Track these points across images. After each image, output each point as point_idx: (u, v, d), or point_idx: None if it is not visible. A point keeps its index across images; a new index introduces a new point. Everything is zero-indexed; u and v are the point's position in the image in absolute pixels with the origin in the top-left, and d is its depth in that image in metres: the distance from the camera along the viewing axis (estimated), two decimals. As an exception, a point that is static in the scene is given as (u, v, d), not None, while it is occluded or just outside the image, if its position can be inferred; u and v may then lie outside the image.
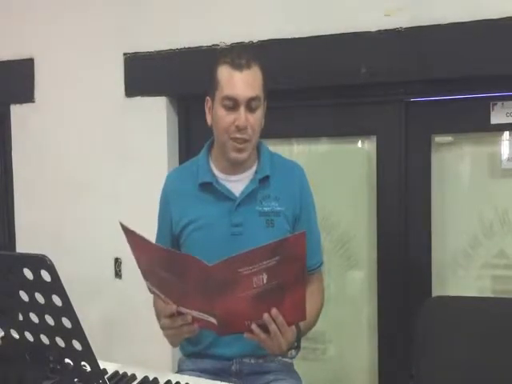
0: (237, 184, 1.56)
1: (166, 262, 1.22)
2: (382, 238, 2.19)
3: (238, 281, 1.16)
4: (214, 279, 1.16)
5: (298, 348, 1.44)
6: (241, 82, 1.46)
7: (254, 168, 1.58)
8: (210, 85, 1.52)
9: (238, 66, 1.46)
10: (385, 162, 2.17)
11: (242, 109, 1.46)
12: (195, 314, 1.26)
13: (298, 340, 1.42)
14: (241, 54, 1.50)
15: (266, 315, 1.24)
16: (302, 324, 1.39)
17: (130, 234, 1.26)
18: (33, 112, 2.65)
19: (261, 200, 1.55)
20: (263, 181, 1.55)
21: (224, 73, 1.48)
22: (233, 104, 1.47)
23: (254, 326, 1.25)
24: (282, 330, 1.27)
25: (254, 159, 1.59)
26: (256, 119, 1.49)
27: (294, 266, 1.19)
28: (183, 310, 1.27)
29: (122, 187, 2.47)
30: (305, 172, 1.64)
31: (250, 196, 1.54)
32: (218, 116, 1.49)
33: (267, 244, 1.17)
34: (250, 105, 1.47)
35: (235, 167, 1.56)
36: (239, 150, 1.50)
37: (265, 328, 1.26)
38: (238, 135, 1.48)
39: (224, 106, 1.48)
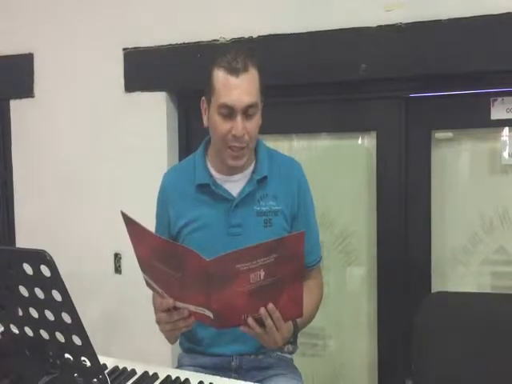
0: (234, 184, 1.55)
1: (165, 254, 1.22)
2: (382, 234, 2.19)
3: (236, 276, 1.17)
4: (211, 274, 1.16)
5: (294, 343, 1.44)
6: (237, 89, 1.41)
7: (252, 168, 1.56)
8: (206, 87, 1.48)
9: (234, 71, 1.41)
10: (385, 158, 2.17)
11: (239, 117, 1.42)
12: (192, 308, 1.26)
13: (295, 335, 1.42)
14: (237, 55, 1.42)
15: (262, 310, 1.24)
16: (299, 319, 1.39)
17: (130, 224, 1.26)
18: (32, 107, 2.65)
19: (259, 199, 1.53)
20: (261, 181, 1.54)
21: (220, 78, 1.42)
22: (229, 112, 1.42)
23: (249, 320, 1.26)
24: (278, 325, 1.27)
25: (252, 159, 1.57)
26: (253, 125, 1.46)
27: (291, 264, 1.20)
28: (180, 304, 1.27)
29: (121, 182, 2.47)
30: (303, 168, 1.62)
31: (247, 196, 1.53)
32: (215, 123, 1.46)
33: (265, 242, 1.17)
34: (247, 112, 1.43)
35: (232, 168, 1.54)
36: (236, 158, 1.48)
37: (261, 322, 1.26)
38: (234, 144, 1.45)
39: (220, 113, 1.43)
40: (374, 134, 2.21)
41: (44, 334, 1.05)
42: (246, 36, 2.22)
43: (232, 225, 1.52)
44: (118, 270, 2.50)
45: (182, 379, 1.32)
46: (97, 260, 2.53)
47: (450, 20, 1.96)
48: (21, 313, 1.05)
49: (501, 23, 1.91)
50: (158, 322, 1.35)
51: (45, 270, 0.96)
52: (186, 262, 1.19)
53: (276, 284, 1.20)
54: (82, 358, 1.03)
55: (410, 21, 2.01)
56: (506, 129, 2.08)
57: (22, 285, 1.01)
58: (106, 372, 1.27)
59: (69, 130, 2.58)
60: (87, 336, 1.00)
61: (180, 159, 2.42)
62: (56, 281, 0.96)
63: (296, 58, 2.16)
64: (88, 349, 1.02)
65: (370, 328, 2.27)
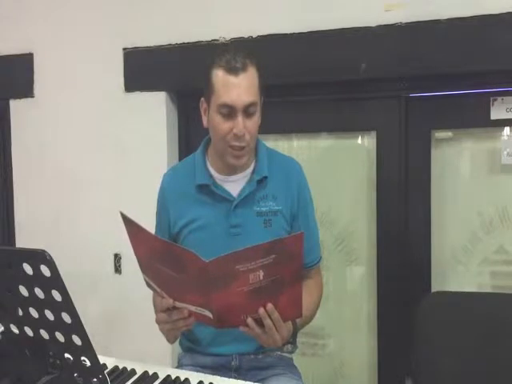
0: (234, 184, 1.54)
1: (164, 255, 1.22)
2: (382, 234, 2.19)
3: (235, 277, 1.17)
4: (210, 275, 1.16)
5: (294, 343, 1.44)
6: (237, 89, 1.41)
7: (252, 168, 1.56)
8: (205, 87, 1.48)
9: (233, 70, 1.41)
10: (385, 158, 2.17)
11: (240, 116, 1.42)
12: (191, 308, 1.26)
13: (295, 335, 1.42)
14: (236, 55, 1.42)
15: (261, 310, 1.24)
16: (298, 319, 1.39)
17: (129, 224, 1.26)
18: (32, 107, 2.65)
19: (258, 200, 1.53)
20: (261, 181, 1.54)
21: (219, 78, 1.42)
22: (229, 111, 1.42)
23: (249, 320, 1.26)
24: (277, 326, 1.27)
25: (252, 159, 1.57)
26: (253, 124, 1.46)
27: (290, 264, 1.20)
28: (179, 304, 1.27)
29: (121, 182, 2.47)
30: (302, 168, 1.62)
31: (247, 197, 1.52)
32: (215, 123, 1.46)
33: (263, 243, 1.17)
34: (248, 111, 1.43)
35: (232, 168, 1.54)
36: (237, 157, 1.48)
37: (260, 323, 1.26)
38: (235, 143, 1.44)
39: (220, 113, 1.43)
40: (373, 134, 2.21)
41: (44, 334, 1.05)
42: (246, 36, 2.22)
43: (232, 225, 1.52)
44: (118, 269, 2.50)
45: (182, 379, 1.32)
46: (97, 260, 2.53)
47: (449, 20, 1.96)
48: (21, 313, 1.05)
49: (501, 23, 1.91)
50: (158, 321, 1.35)
51: (45, 270, 0.95)
52: (185, 263, 1.19)
53: (275, 284, 1.20)
54: (82, 358, 1.03)
55: (409, 20, 2.01)
56: (506, 128, 2.08)
57: (22, 285, 1.01)
58: (105, 372, 1.27)
59: (69, 129, 2.58)
60: (87, 336, 1.00)
61: (180, 159, 2.42)
62: (56, 281, 0.96)
63: (296, 58, 2.16)
64: (88, 348, 1.02)
65: (369, 328, 2.28)
